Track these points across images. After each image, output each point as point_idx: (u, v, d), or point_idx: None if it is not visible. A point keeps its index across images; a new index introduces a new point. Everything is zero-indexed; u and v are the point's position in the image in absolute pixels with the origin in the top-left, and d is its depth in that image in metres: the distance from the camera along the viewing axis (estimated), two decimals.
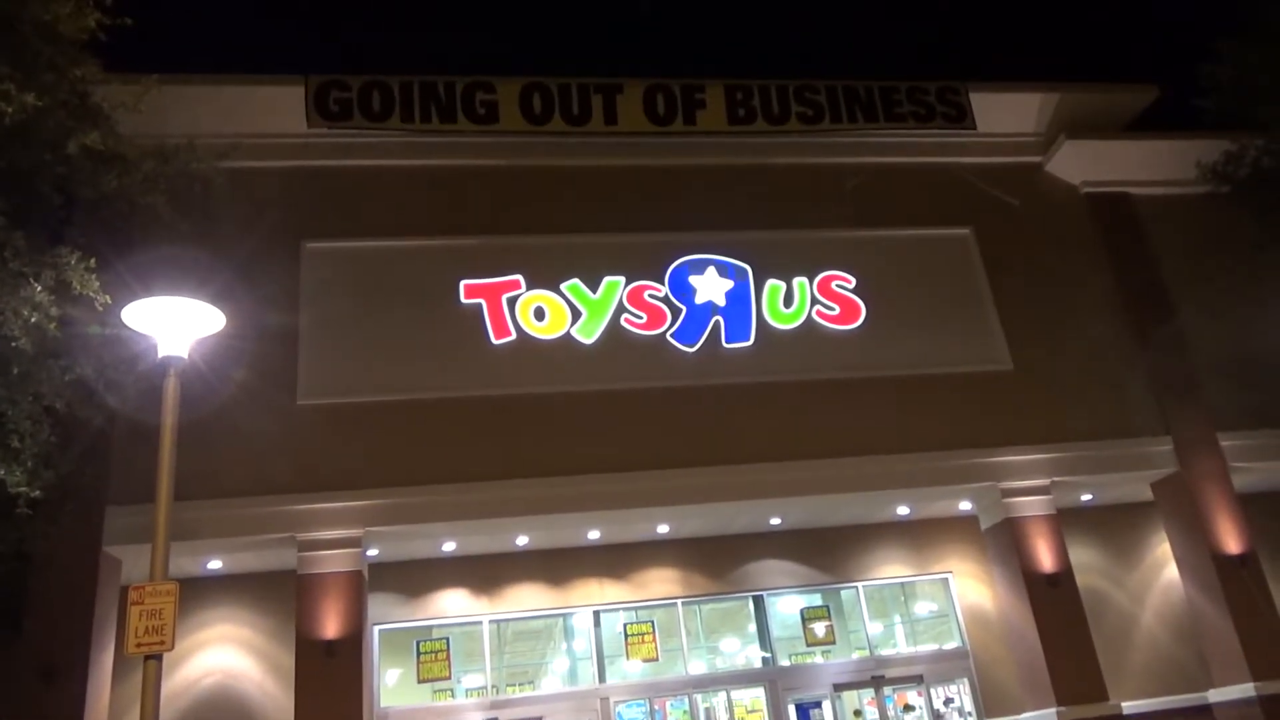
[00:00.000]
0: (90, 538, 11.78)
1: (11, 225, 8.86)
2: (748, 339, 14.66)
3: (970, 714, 15.15)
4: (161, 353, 7.58)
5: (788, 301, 14.98)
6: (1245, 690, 13.69)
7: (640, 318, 14.51)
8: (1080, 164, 16.62)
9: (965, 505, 15.62)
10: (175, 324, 7.51)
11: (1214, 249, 16.11)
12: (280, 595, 13.60)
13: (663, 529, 14.99)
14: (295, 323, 13.55)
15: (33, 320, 8.76)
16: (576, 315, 14.34)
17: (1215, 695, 14.34)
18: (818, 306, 15.02)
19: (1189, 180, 15.77)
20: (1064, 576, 14.14)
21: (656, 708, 14.84)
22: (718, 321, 14.67)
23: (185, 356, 7.67)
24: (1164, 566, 16.10)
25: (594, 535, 14.84)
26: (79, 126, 9.32)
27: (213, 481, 12.18)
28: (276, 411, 12.96)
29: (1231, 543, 14.47)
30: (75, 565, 11.64)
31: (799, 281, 15.08)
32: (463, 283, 14.24)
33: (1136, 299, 15.97)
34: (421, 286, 14.17)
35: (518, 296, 14.29)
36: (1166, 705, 15.05)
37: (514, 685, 15.10)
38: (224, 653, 13.86)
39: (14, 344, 8.82)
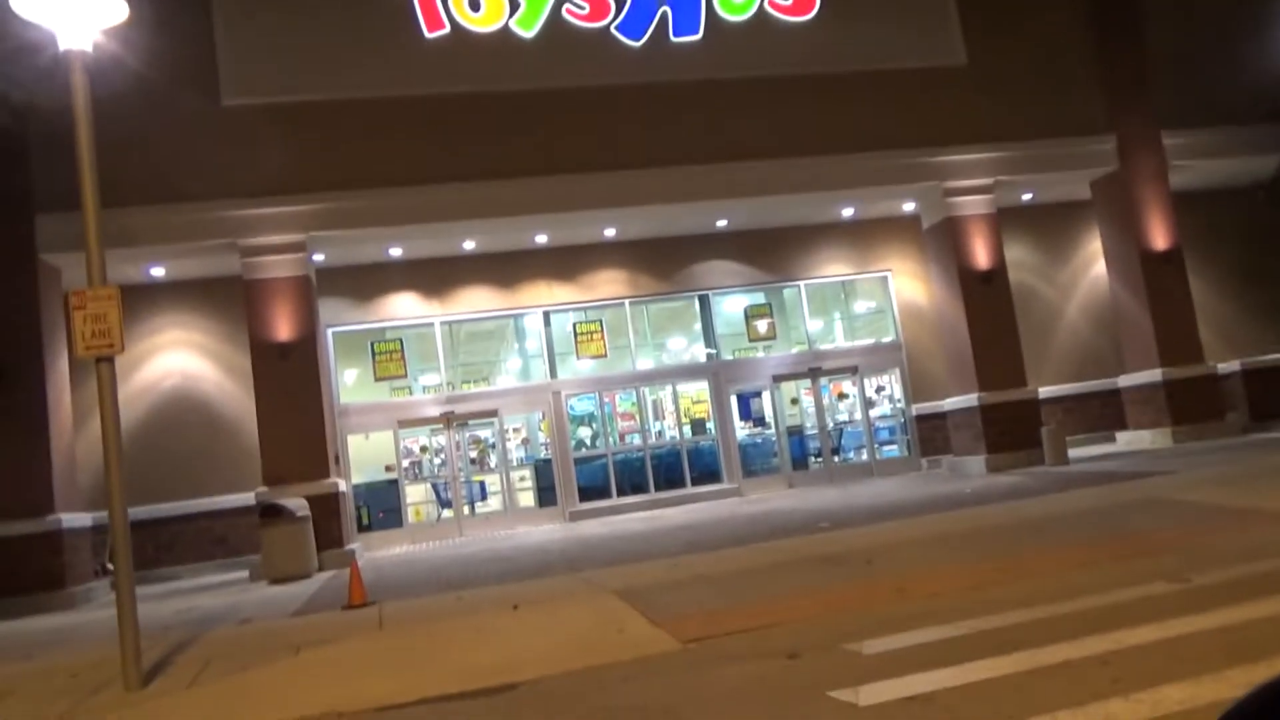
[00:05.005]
0: (23, 246, 11.63)
1: None
2: (696, 32, 13.96)
3: (899, 400, 16.25)
4: (62, 45, 7.01)
5: None
6: (1153, 375, 14.75)
7: (583, 8, 13.66)
8: None
9: (908, 206, 15.78)
10: (72, 12, 6.88)
11: None
12: (230, 301, 13.69)
13: (609, 231, 15.02)
14: (209, 15, 12.58)
15: None
16: (515, 5, 13.45)
17: (1125, 380, 15.45)
18: None
19: None
20: (997, 273, 14.65)
21: (606, 400, 15.67)
22: (665, 12, 13.88)
23: (90, 50, 7.11)
24: (1093, 264, 16.72)
25: (541, 239, 14.86)
26: None
27: (146, 187, 11.85)
28: (202, 113, 12.35)
29: (1160, 239, 14.95)
30: (12, 273, 11.57)
31: None
32: None
33: None
34: None
35: None
36: (1081, 390, 16.26)
37: (469, 382, 15.74)
38: (180, 356, 14.14)
39: None
